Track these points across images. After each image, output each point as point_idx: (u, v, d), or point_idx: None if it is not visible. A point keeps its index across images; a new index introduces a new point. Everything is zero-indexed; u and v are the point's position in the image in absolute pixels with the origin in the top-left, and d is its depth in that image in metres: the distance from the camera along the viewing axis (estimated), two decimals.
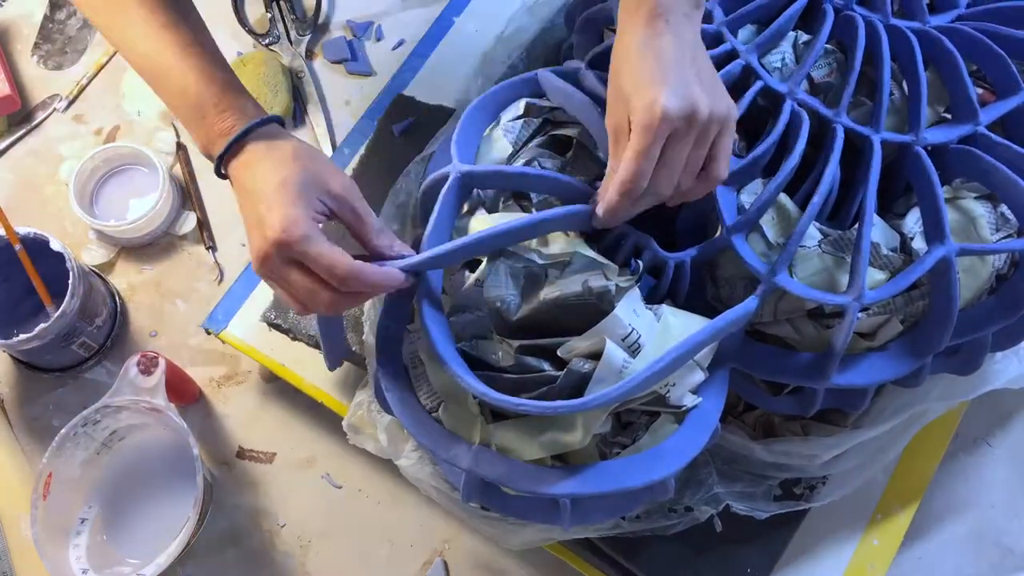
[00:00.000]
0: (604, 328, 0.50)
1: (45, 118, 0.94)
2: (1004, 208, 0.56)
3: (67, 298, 0.75)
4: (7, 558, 0.77)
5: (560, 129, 0.60)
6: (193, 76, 0.53)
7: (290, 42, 0.95)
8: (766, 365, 0.57)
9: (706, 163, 0.51)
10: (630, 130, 0.50)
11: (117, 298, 0.86)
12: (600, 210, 0.52)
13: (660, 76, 0.49)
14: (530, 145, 0.60)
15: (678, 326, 0.52)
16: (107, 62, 0.96)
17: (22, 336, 0.74)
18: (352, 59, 0.96)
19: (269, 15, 0.96)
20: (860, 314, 0.54)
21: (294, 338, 0.75)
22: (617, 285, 0.53)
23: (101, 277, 0.85)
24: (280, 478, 0.81)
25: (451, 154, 0.56)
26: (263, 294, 0.78)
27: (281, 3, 0.96)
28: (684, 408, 0.54)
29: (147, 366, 0.74)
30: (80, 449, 0.75)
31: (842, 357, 0.54)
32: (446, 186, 0.54)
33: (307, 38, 0.95)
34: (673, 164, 0.50)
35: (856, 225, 0.53)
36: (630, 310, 0.51)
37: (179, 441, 0.73)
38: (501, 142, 0.59)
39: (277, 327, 0.75)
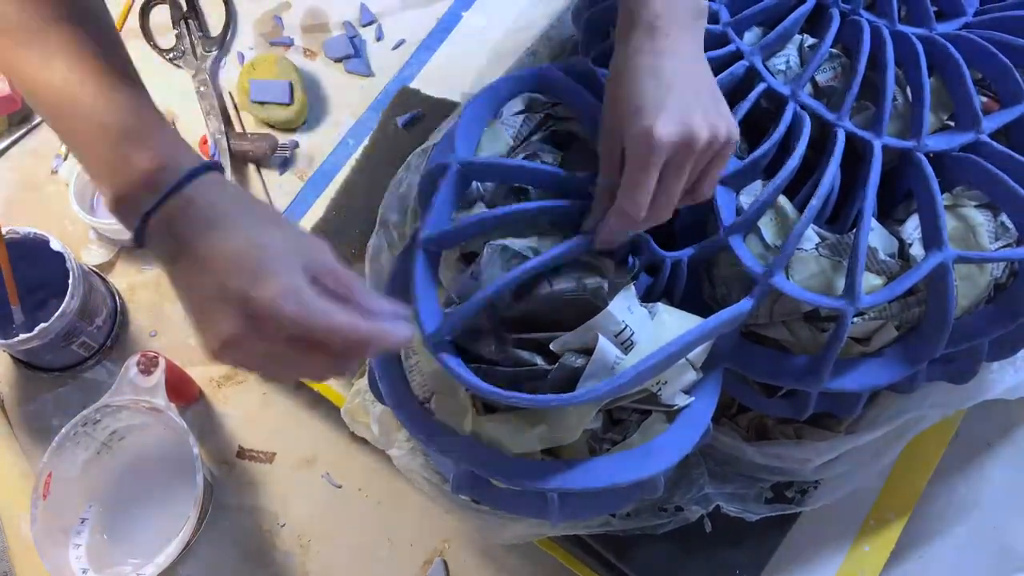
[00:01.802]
0: (597, 324, 0.51)
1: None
2: (1004, 217, 0.56)
3: (67, 298, 0.75)
4: (7, 557, 0.78)
5: (561, 125, 0.60)
6: (119, 108, 0.42)
7: (195, 58, 0.95)
8: (760, 367, 0.57)
9: (695, 183, 0.50)
10: (623, 153, 0.49)
11: (117, 298, 0.86)
12: (598, 240, 0.52)
13: (655, 101, 0.48)
14: (531, 140, 0.60)
15: (672, 324, 0.52)
16: None
17: (22, 336, 0.74)
18: (355, 55, 0.96)
19: (176, 31, 0.96)
20: (855, 319, 0.53)
21: None
22: (611, 282, 0.53)
23: (101, 277, 0.85)
24: (280, 478, 0.81)
25: (452, 145, 0.56)
26: None
27: (190, 21, 0.96)
28: (676, 407, 0.54)
29: (147, 366, 0.74)
30: (80, 449, 0.75)
31: (836, 361, 0.54)
32: (445, 176, 0.54)
33: (213, 55, 0.95)
34: (671, 191, 0.49)
35: (854, 229, 0.53)
36: (624, 307, 0.51)
37: (179, 441, 0.74)
38: (502, 136, 0.59)
39: None
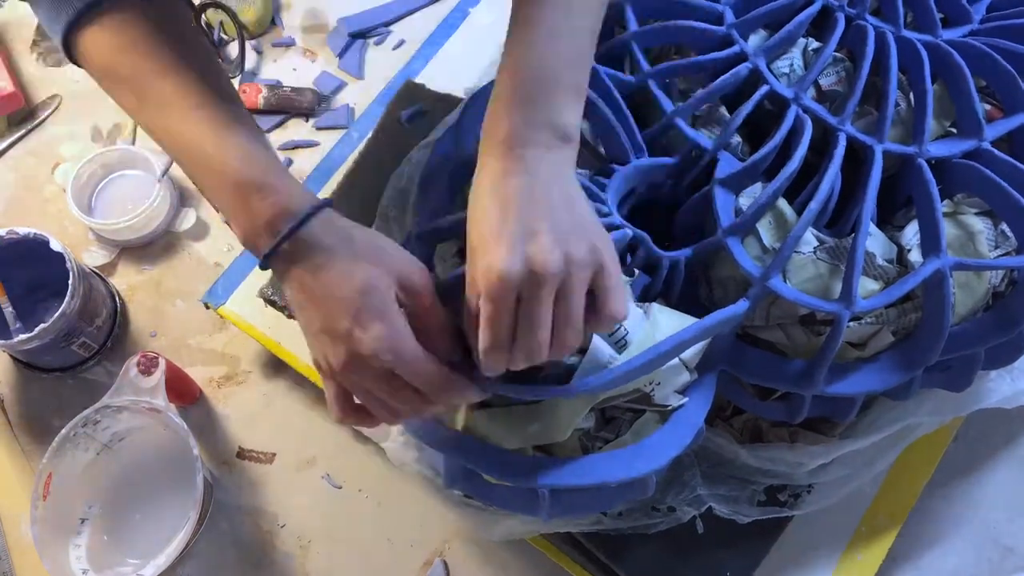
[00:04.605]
0: None
1: (46, 117, 0.94)
2: (1005, 225, 0.56)
3: (67, 298, 0.75)
4: (7, 558, 0.78)
5: None
6: (233, 156, 0.47)
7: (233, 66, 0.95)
8: (755, 369, 0.57)
9: (566, 317, 0.45)
10: None
11: (117, 298, 0.86)
12: (481, 372, 0.48)
13: (498, 230, 0.44)
14: None
15: (667, 325, 0.52)
16: None
17: (22, 336, 0.74)
18: (355, 55, 0.96)
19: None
20: (851, 323, 0.53)
21: (289, 316, 0.75)
22: None
23: (101, 277, 0.85)
24: (280, 478, 0.81)
25: (453, 140, 0.56)
26: (263, 272, 0.78)
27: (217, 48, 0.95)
28: (669, 407, 0.54)
29: (147, 366, 0.74)
30: (80, 449, 0.75)
31: (831, 366, 0.54)
32: (444, 171, 0.54)
33: (237, 79, 0.95)
34: (533, 324, 0.44)
35: (853, 234, 0.53)
36: (633, 303, 0.52)
37: (179, 441, 0.73)
38: None
39: (273, 304, 0.75)
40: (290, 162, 0.92)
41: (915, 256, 0.54)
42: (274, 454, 0.82)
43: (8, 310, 0.78)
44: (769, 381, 0.56)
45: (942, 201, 0.53)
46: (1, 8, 0.99)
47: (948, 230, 0.54)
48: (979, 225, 0.55)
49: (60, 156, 0.92)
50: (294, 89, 0.93)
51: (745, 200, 0.56)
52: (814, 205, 0.52)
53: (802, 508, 0.69)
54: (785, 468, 0.65)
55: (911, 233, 0.55)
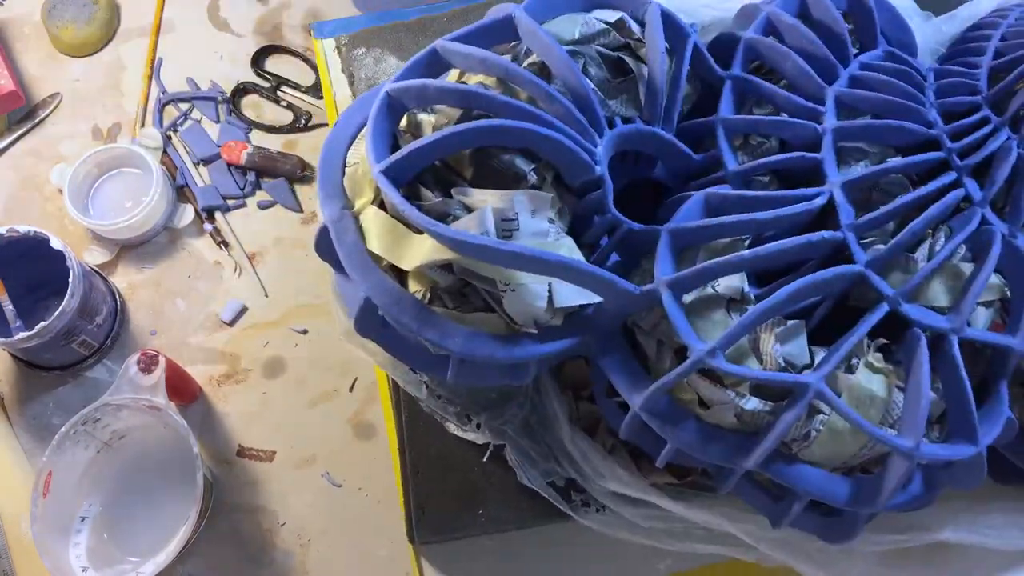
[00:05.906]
0: (506, 196, 0.48)
1: (46, 116, 0.94)
2: (905, 414, 0.51)
3: (67, 296, 0.75)
4: (7, 556, 0.78)
5: (631, 63, 0.57)
6: None
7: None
8: (612, 369, 0.53)
9: None
10: None
11: (117, 296, 0.86)
12: None
13: None
14: (591, 45, 0.56)
15: (564, 252, 0.49)
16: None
17: (22, 334, 0.74)
18: None
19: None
20: (705, 379, 0.51)
21: None
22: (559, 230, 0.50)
23: (101, 276, 0.85)
24: (280, 476, 0.81)
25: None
26: None
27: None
28: (517, 326, 0.51)
29: (147, 364, 0.74)
30: (80, 447, 0.75)
31: (673, 406, 0.51)
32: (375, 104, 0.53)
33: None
34: None
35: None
36: (543, 212, 0.49)
37: (179, 440, 0.73)
38: (576, 25, 0.56)
39: None
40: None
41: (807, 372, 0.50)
42: (274, 452, 0.82)
43: (8, 308, 0.78)
44: (619, 386, 0.53)
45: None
46: (1, 6, 0.99)
47: (864, 383, 0.50)
48: (894, 397, 0.51)
49: (60, 155, 0.92)
50: (280, 152, 0.91)
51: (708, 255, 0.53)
52: (766, 306, 0.49)
53: (581, 517, 0.65)
54: (589, 471, 0.62)
55: (823, 354, 0.51)
